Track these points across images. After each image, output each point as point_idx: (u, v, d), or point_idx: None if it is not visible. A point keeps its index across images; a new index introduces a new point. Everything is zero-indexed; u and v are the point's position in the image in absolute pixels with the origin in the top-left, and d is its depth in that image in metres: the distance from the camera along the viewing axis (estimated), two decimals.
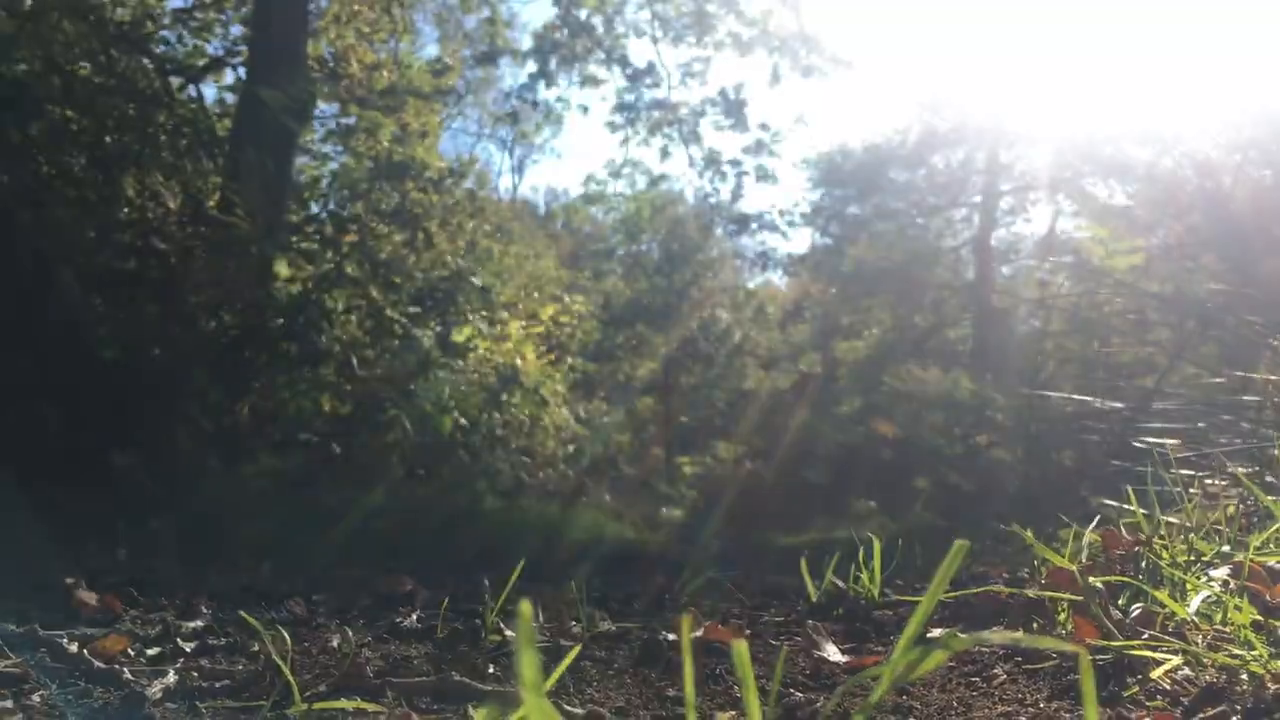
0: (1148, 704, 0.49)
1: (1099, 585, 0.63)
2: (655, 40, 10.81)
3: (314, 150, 7.96)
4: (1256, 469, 1.13)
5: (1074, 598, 0.61)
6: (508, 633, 0.69)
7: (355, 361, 2.37)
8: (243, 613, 0.64)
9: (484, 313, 4.18)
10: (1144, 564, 0.69)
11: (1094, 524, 0.76)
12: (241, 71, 6.06)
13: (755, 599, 1.06)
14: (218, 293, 1.86)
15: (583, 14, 10.08)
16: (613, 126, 11.40)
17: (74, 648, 0.63)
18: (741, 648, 0.31)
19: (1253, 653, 0.48)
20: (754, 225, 14.86)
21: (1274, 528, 0.67)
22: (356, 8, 7.71)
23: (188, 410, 1.57)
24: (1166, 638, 0.53)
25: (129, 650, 0.65)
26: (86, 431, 1.51)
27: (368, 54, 7.82)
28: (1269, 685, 0.46)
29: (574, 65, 10.55)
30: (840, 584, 0.95)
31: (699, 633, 0.70)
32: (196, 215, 1.93)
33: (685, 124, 11.43)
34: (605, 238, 19.20)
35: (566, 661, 0.43)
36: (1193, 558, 0.68)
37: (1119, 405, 1.65)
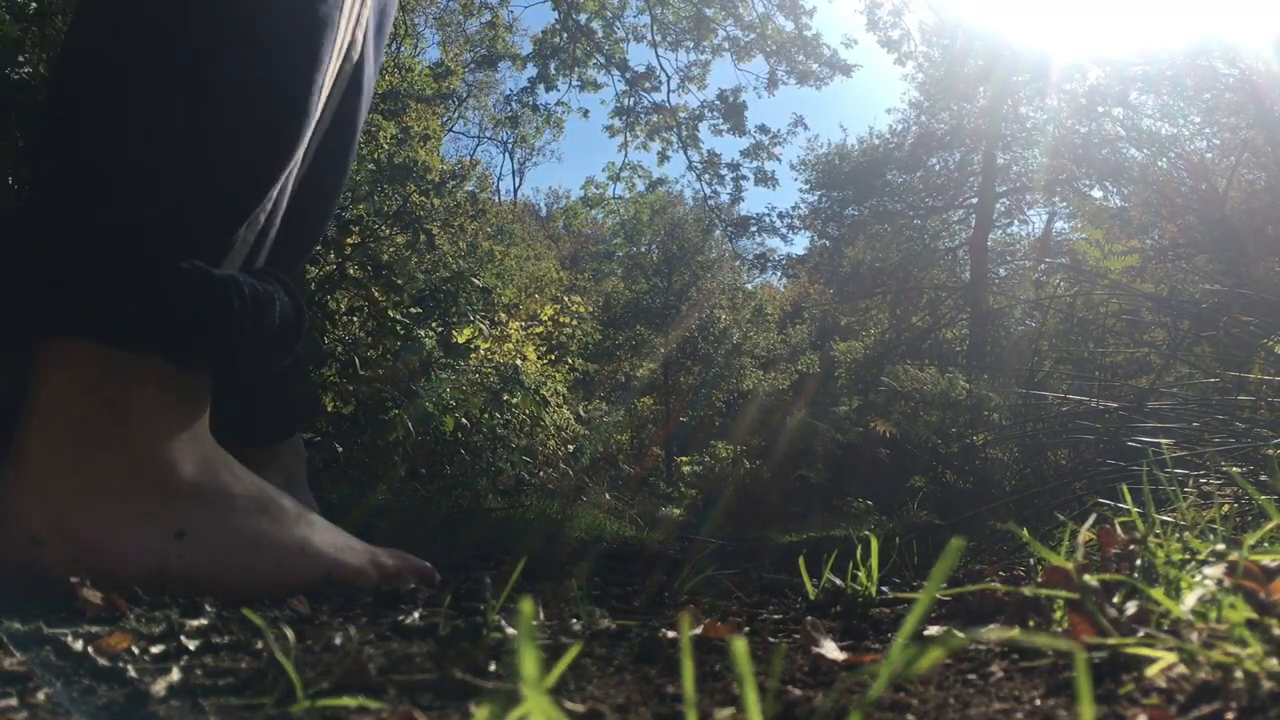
0: (1143, 701, 0.49)
1: (1095, 583, 0.63)
2: (655, 45, 10.84)
3: None
4: (1250, 468, 1.14)
5: (1070, 595, 0.62)
6: (509, 630, 0.70)
7: (358, 362, 2.38)
8: (246, 610, 0.64)
9: (485, 313, 4.19)
10: (1139, 562, 0.69)
11: (1090, 522, 0.77)
12: None
13: (754, 596, 1.06)
14: None
15: (583, 18, 10.10)
16: (612, 130, 11.43)
17: (78, 646, 0.63)
18: (740, 645, 0.31)
19: (1247, 650, 0.48)
20: (753, 228, 14.90)
21: (1268, 526, 0.67)
22: None
23: None
24: (1162, 635, 0.54)
25: (133, 648, 0.65)
26: None
27: None
28: (1264, 682, 0.46)
29: (574, 69, 10.58)
30: (838, 582, 0.96)
31: (698, 630, 0.70)
32: None
33: (684, 127, 11.46)
34: (605, 239, 19.24)
35: (567, 659, 0.43)
36: (1188, 556, 0.68)
37: (1114, 405, 1.66)
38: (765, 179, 12.34)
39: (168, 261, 0.71)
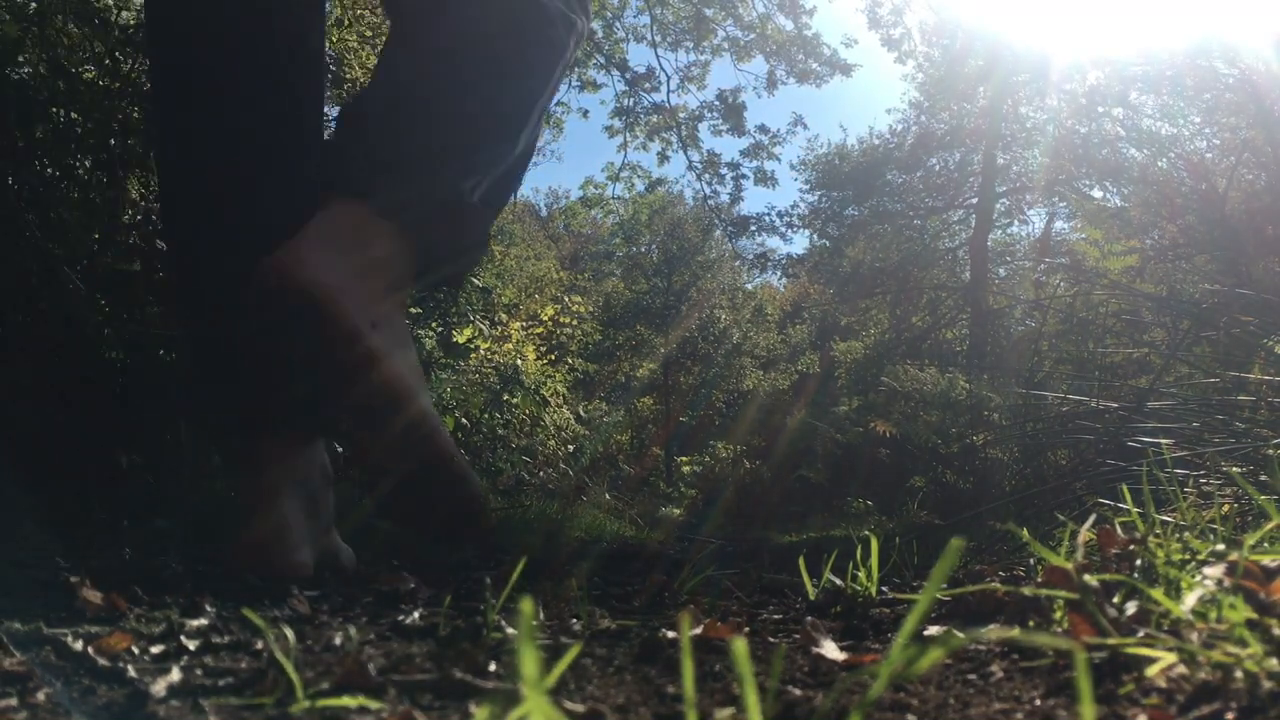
0: (1143, 701, 0.49)
1: (1095, 583, 0.63)
2: (654, 45, 10.84)
3: None
4: (1250, 468, 1.14)
5: (1070, 596, 0.62)
6: (509, 630, 0.70)
7: None
8: (246, 610, 0.64)
9: (485, 313, 4.18)
10: (1139, 562, 0.69)
11: (1090, 523, 0.77)
12: None
13: (754, 597, 1.06)
14: None
15: None
16: (611, 130, 11.42)
17: (78, 646, 0.63)
18: (740, 645, 0.31)
19: (1247, 650, 0.48)
20: (753, 227, 14.89)
21: (1268, 526, 0.67)
22: (359, 11, 7.70)
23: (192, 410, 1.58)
24: (1162, 635, 0.54)
25: (133, 648, 0.65)
26: (92, 431, 1.52)
27: (370, 57, 7.81)
28: (1264, 682, 0.46)
29: (574, 69, 10.57)
30: (838, 582, 0.96)
31: (698, 630, 0.70)
32: None
33: (684, 127, 11.46)
34: (605, 240, 19.22)
35: (567, 659, 0.43)
36: (1188, 556, 0.68)
37: (1114, 405, 1.66)
38: (765, 178, 12.34)
39: (441, 175, 0.98)
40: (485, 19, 1.02)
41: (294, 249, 0.84)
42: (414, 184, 0.96)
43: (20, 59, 1.56)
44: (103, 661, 0.60)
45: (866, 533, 1.56)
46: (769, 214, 15.26)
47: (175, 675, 0.58)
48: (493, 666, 0.61)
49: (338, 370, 0.86)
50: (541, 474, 4.85)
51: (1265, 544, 0.64)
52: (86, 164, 1.71)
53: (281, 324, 0.85)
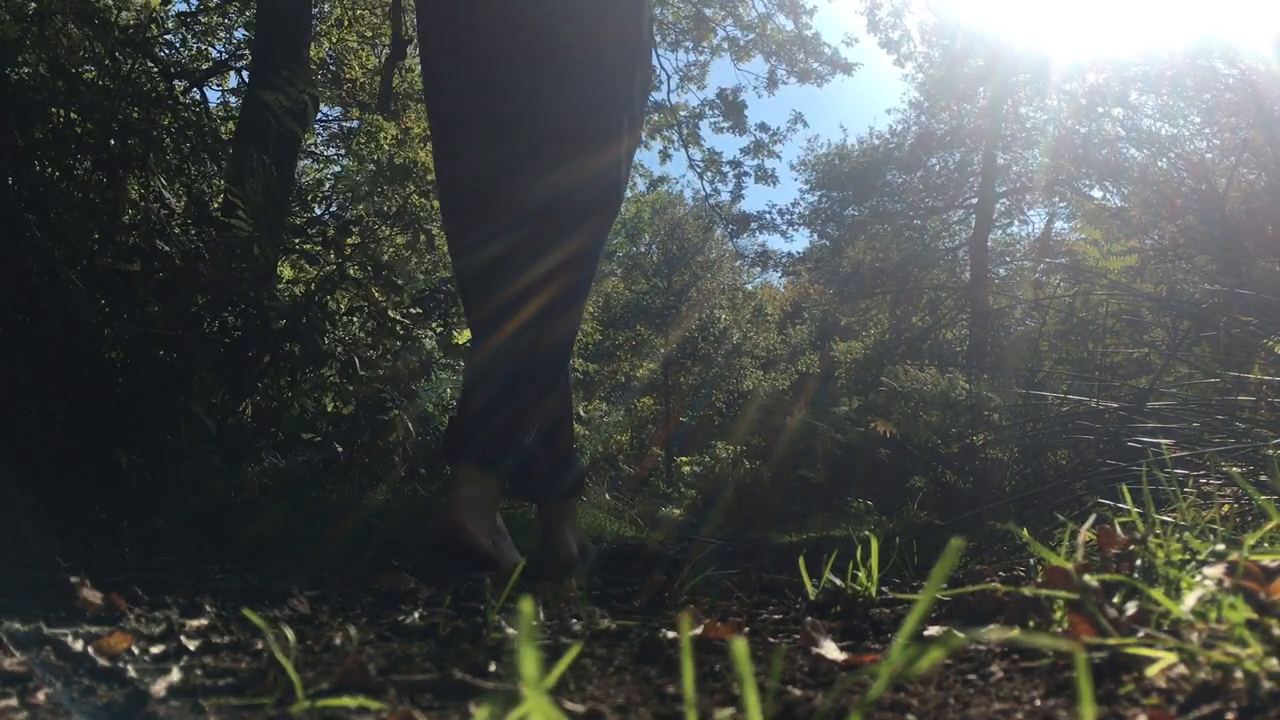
0: (1143, 701, 0.49)
1: (1095, 584, 0.63)
2: (654, 45, 10.83)
3: (317, 153, 7.98)
4: (1250, 468, 1.14)
5: (1070, 596, 0.62)
6: (509, 630, 0.70)
7: (358, 362, 2.38)
8: (246, 610, 0.64)
9: None
10: (1139, 562, 0.69)
11: (1090, 523, 0.77)
12: (245, 75, 6.07)
13: (754, 597, 1.06)
14: (221, 294, 1.87)
15: None
16: None
17: (79, 646, 0.63)
18: (740, 645, 0.31)
19: (1247, 650, 0.48)
20: (753, 225, 14.88)
21: (1268, 526, 0.67)
22: (359, 12, 7.70)
23: (191, 410, 1.58)
24: (1162, 635, 0.54)
25: (133, 648, 0.65)
26: (91, 431, 1.52)
27: (370, 58, 7.82)
28: (1264, 682, 0.46)
29: None
30: (838, 582, 0.96)
31: (698, 630, 0.70)
32: (200, 217, 1.94)
33: (685, 125, 11.46)
34: None
35: (568, 659, 0.43)
36: (1188, 556, 0.68)
37: (1114, 405, 1.66)
38: (765, 176, 12.34)
39: (518, 442, 1.52)
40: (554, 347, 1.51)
41: (456, 515, 1.40)
42: (507, 452, 1.47)
43: (20, 59, 1.56)
44: (103, 661, 0.60)
45: (866, 533, 1.56)
46: (769, 212, 15.27)
47: (175, 675, 0.58)
48: (493, 666, 0.61)
49: (477, 562, 1.42)
50: None
51: (1265, 544, 0.64)
52: (86, 164, 1.72)
53: (453, 553, 1.42)
